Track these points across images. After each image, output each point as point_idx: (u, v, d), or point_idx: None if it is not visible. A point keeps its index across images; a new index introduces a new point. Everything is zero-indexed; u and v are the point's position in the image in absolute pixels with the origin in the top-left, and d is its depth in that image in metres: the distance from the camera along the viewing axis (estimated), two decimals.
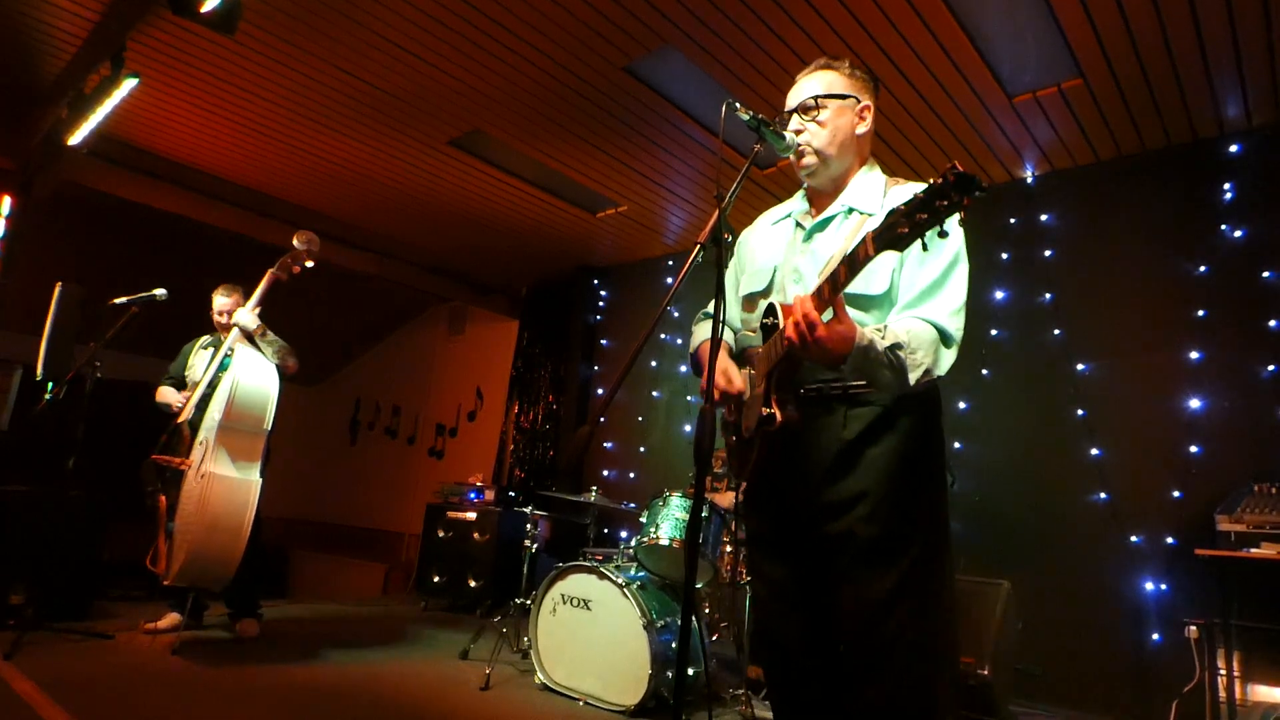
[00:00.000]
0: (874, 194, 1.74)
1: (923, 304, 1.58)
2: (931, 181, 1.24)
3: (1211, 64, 3.60)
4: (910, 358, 1.49)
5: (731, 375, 1.73)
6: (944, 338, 1.55)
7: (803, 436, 1.63)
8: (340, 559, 8.10)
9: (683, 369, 6.22)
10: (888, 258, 1.61)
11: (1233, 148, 4.05)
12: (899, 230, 1.29)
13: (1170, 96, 3.87)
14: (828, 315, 1.45)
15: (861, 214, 1.70)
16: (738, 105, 1.68)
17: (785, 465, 1.66)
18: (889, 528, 1.56)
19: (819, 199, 1.83)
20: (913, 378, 1.49)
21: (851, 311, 1.58)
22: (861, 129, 1.80)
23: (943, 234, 1.26)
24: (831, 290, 1.45)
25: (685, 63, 4.01)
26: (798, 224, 1.84)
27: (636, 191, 5.53)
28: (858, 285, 1.60)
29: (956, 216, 1.23)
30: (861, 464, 1.59)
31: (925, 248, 1.29)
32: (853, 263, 1.41)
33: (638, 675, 3.23)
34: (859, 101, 1.80)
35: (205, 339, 4.26)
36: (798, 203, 1.90)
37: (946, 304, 1.57)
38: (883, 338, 1.48)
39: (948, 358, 1.56)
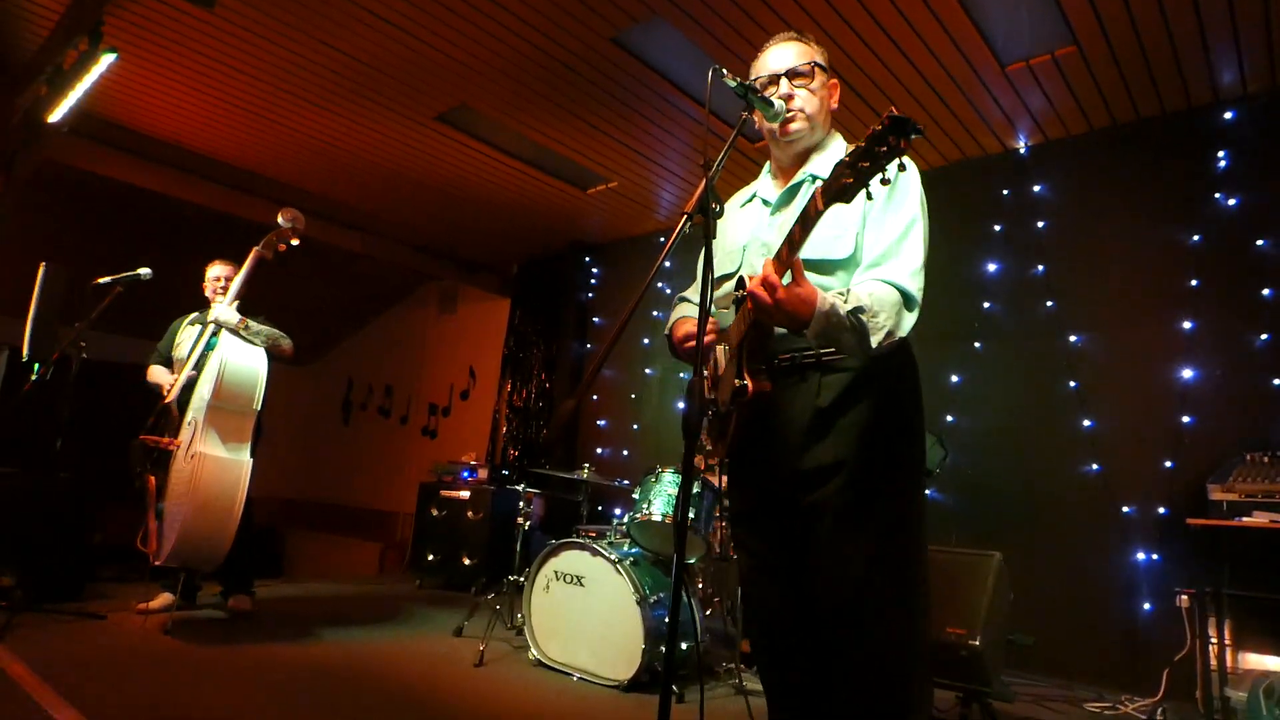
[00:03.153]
0: (836, 160, 1.73)
1: (884, 264, 1.58)
2: (871, 129, 1.26)
3: (1207, 30, 3.55)
4: (872, 321, 1.49)
5: (708, 328, 1.74)
6: (906, 299, 1.56)
7: (777, 406, 1.64)
8: (335, 539, 8.13)
9: None
10: (850, 220, 1.63)
11: (1227, 115, 4.01)
12: (844, 180, 1.32)
13: (1165, 63, 3.82)
14: (789, 279, 1.45)
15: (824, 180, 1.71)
16: (724, 72, 1.65)
17: (762, 436, 1.67)
18: (866, 496, 1.56)
19: (783, 174, 1.85)
20: (875, 340, 1.49)
21: (818, 276, 1.60)
22: (833, 103, 1.85)
23: (885, 181, 1.29)
24: (789, 250, 1.45)
25: (674, 33, 3.95)
26: (764, 201, 1.86)
27: (627, 167, 5.47)
28: (822, 250, 1.62)
29: (896, 162, 1.26)
30: (836, 431, 1.60)
31: (870, 196, 1.32)
32: (806, 220, 1.42)
33: (631, 651, 3.24)
34: (830, 76, 1.84)
35: (192, 315, 4.19)
36: (762, 181, 1.91)
37: (906, 264, 1.58)
38: (845, 302, 1.49)
39: (909, 320, 1.56)
